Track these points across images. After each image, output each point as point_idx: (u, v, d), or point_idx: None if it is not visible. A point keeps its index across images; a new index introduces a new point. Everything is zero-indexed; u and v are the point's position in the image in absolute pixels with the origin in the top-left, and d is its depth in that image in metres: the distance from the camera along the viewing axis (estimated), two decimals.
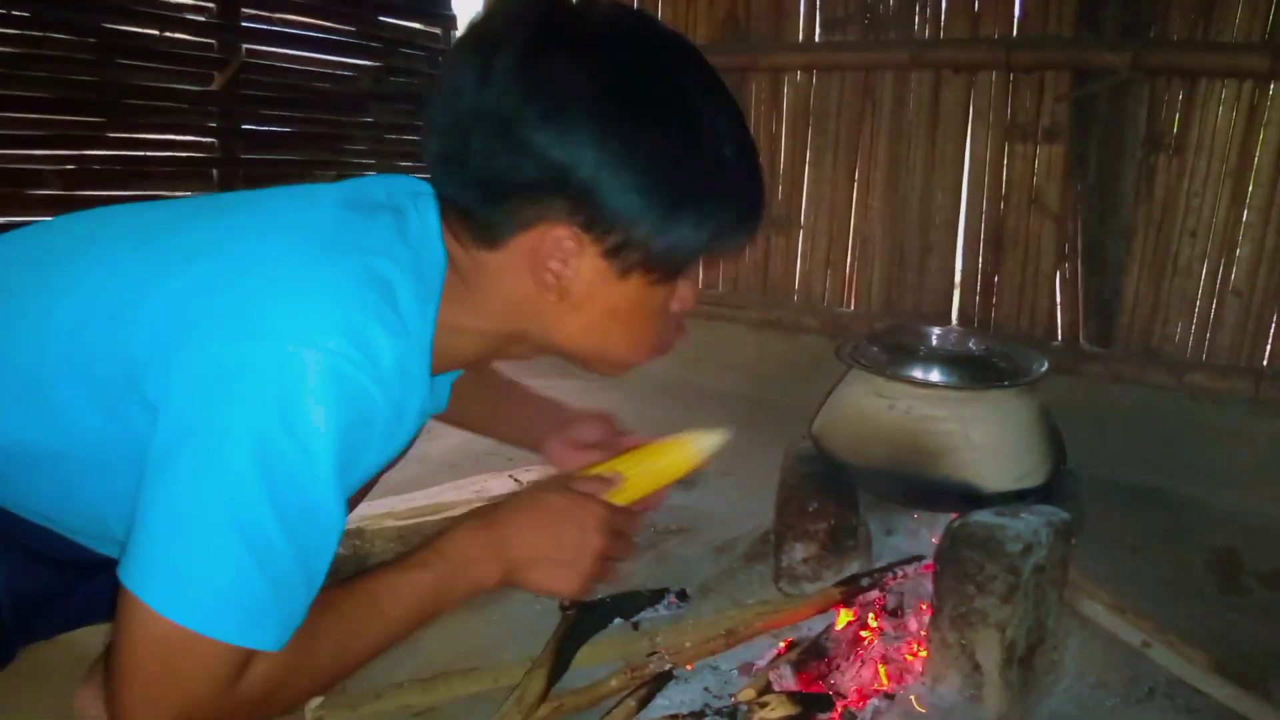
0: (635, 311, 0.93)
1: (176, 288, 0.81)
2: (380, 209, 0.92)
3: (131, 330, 0.82)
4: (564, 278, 0.88)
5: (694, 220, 0.87)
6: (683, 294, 0.97)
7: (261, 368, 0.75)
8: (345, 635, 0.89)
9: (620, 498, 1.11)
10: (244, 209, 0.94)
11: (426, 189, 0.95)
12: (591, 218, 0.84)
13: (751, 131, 0.94)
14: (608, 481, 1.10)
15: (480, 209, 0.87)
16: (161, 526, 0.76)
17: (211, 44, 2.84)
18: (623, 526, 1.07)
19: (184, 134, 2.83)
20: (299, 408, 0.76)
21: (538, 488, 1.09)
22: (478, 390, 1.34)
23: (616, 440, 1.25)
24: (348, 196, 0.93)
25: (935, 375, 1.62)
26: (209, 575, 0.75)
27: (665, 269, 0.90)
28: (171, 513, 0.76)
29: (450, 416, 1.35)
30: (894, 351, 1.69)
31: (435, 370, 0.95)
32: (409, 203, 0.93)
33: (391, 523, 1.82)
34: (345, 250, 0.84)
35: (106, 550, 1.06)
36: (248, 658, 0.79)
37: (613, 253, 0.87)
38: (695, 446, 1.16)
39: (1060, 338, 2.71)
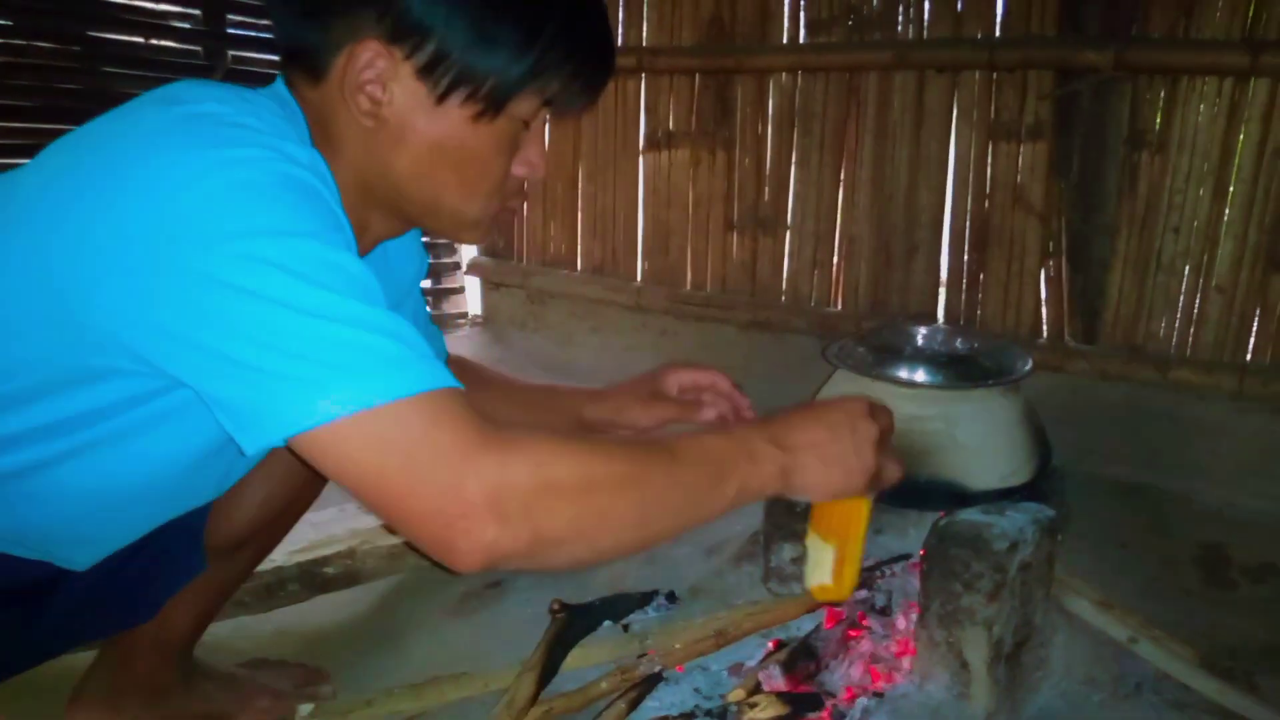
0: (462, 150, 0.88)
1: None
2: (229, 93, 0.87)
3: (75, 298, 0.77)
4: (378, 100, 0.85)
5: (511, 39, 0.84)
6: (528, 156, 0.93)
7: (197, 205, 0.72)
8: (621, 454, 0.81)
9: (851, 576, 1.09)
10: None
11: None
12: (398, 26, 0.82)
13: None
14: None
15: (298, 31, 0.86)
16: (252, 377, 0.70)
17: (197, 50, 2.84)
18: (888, 424, 1.01)
19: None
20: (245, 211, 0.72)
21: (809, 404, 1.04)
22: (513, 402, 1.31)
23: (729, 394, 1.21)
24: (192, 86, 0.87)
25: (920, 375, 1.63)
26: (328, 363, 0.70)
27: (487, 97, 0.86)
28: (245, 355, 0.70)
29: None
30: (879, 352, 1.70)
31: None
32: (252, 90, 0.89)
33: (384, 541, 1.81)
34: (206, 118, 0.79)
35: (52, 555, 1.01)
36: (448, 402, 0.73)
37: (426, 70, 0.83)
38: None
39: (1045, 335, 2.72)
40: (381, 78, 0.84)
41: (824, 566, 1.10)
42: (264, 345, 0.70)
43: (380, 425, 0.70)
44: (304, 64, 0.87)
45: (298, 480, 1.24)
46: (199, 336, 0.72)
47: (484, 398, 1.29)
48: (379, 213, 0.96)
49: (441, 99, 0.85)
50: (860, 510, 1.08)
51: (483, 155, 0.89)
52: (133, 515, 1.04)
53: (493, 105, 0.86)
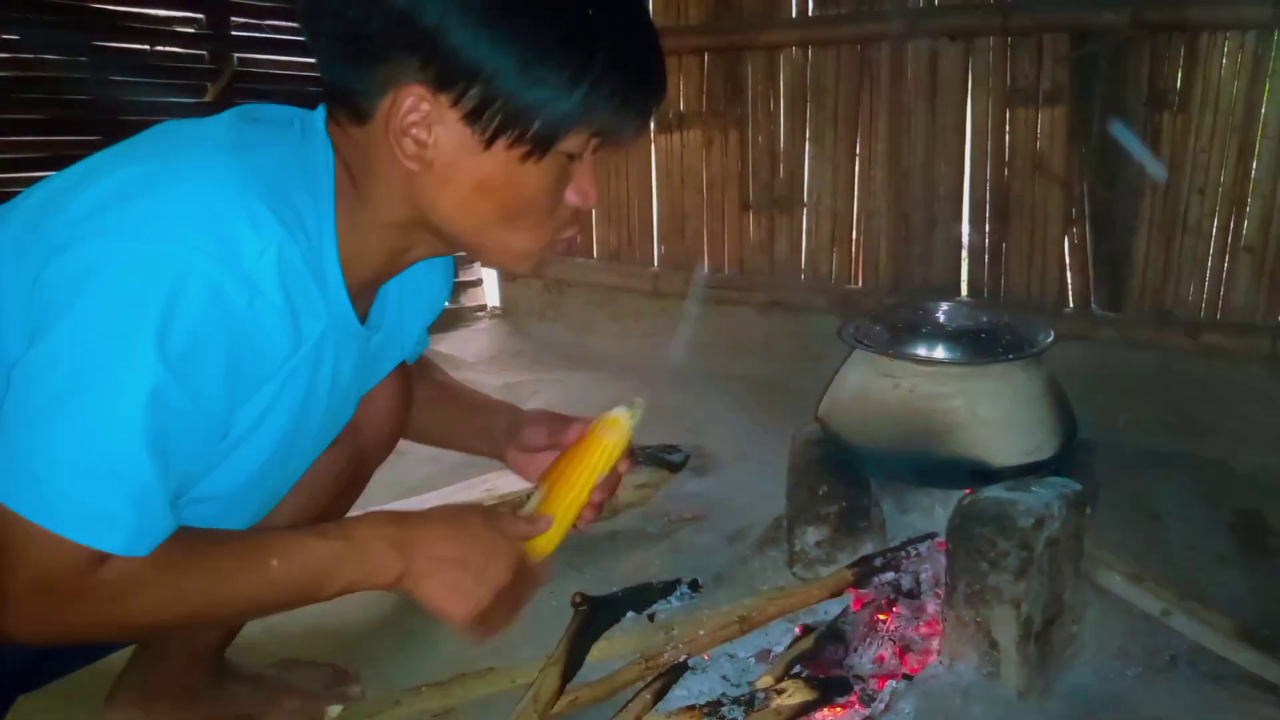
0: (509, 189, 0.87)
1: (68, 214, 0.81)
2: (268, 120, 0.91)
3: (31, 255, 0.81)
4: (424, 144, 0.84)
5: (557, 79, 0.81)
6: (581, 185, 0.91)
7: (116, 267, 0.75)
8: (221, 571, 0.88)
9: (552, 537, 1.08)
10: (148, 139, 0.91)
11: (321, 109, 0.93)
12: (442, 72, 0.80)
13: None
14: (535, 524, 1.06)
15: (342, 74, 0.85)
16: (19, 430, 0.77)
17: (203, 55, 2.84)
18: (528, 582, 1.03)
19: None
20: (153, 306, 0.75)
21: (465, 509, 1.10)
22: (437, 405, 1.33)
23: (562, 439, 1.19)
24: (242, 111, 0.92)
25: (939, 351, 1.60)
26: (62, 480, 0.76)
27: (534, 139, 0.84)
28: (28, 415, 0.76)
29: (415, 434, 1.35)
30: (897, 329, 1.67)
31: (356, 279, 0.94)
32: (297, 112, 0.92)
33: None
34: (226, 150, 0.84)
35: None
36: (100, 557, 0.79)
37: (472, 115, 0.82)
38: (613, 436, 1.10)
39: (1071, 304, 2.68)
40: (426, 122, 0.83)
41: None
42: (31, 420, 0.77)
43: (27, 533, 0.76)
44: (347, 105, 0.87)
45: (332, 490, 1.24)
46: (32, 361, 0.77)
47: (418, 405, 1.31)
48: (424, 237, 0.96)
49: (489, 143, 0.84)
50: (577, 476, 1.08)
51: (529, 192, 0.88)
52: None
53: (541, 145, 0.85)
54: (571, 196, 0.91)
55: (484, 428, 1.29)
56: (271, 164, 0.84)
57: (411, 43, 0.80)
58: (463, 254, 1.03)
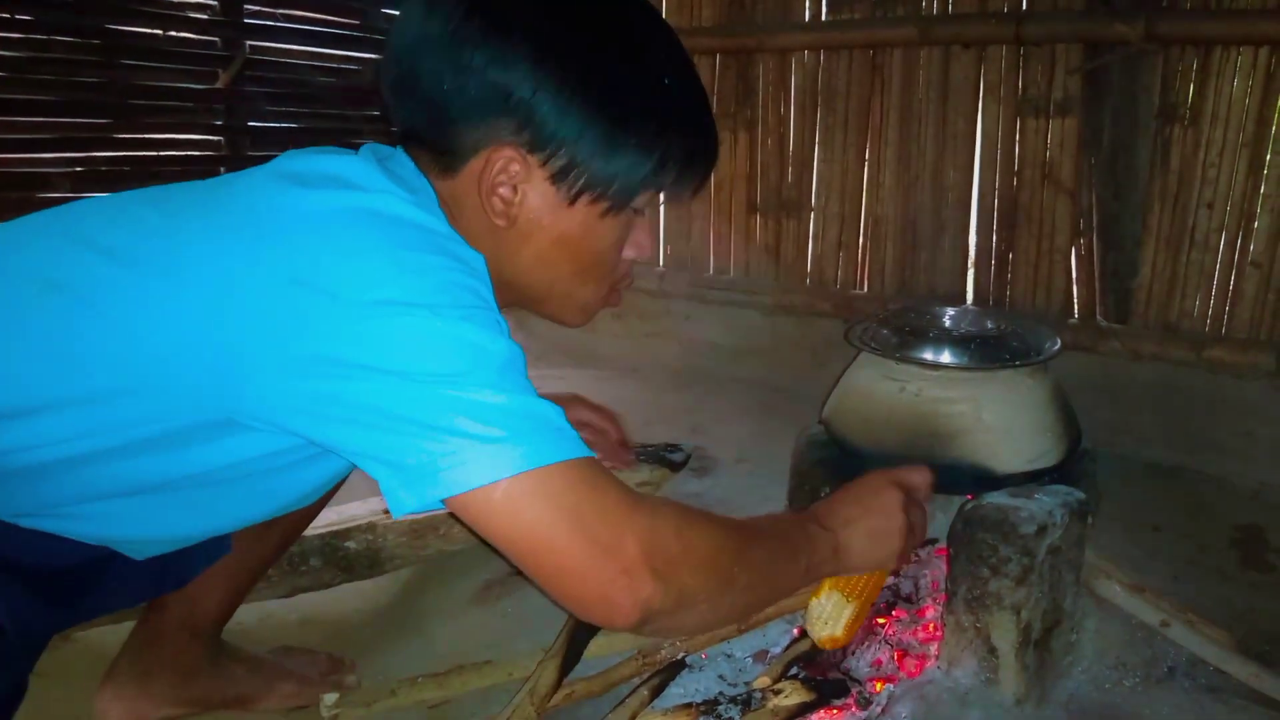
0: (584, 243, 0.94)
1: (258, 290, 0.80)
2: (386, 159, 0.93)
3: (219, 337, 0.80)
4: (511, 202, 0.90)
5: (638, 143, 0.89)
6: (638, 240, 0.99)
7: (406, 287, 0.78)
8: (737, 526, 0.96)
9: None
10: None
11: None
12: (535, 138, 0.87)
13: (695, 70, 0.96)
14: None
15: (433, 134, 0.90)
16: (426, 434, 0.75)
17: (215, 41, 2.85)
18: (920, 514, 1.20)
19: (190, 133, 2.84)
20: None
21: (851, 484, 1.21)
22: None
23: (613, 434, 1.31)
24: (374, 150, 0.94)
25: (946, 356, 1.59)
26: (502, 425, 0.76)
27: (613, 196, 0.91)
28: (420, 416, 0.75)
29: None
30: (904, 333, 1.67)
31: None
32: (385, 154, 0.94)
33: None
34: (399, 195, 0.86)
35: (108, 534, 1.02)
36: (598, 467, 0.82)
37: (559, 175, 0.89)
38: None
39: (1077, 314, 2.68)
40: (515, 181, 0.89)
41: (839, 620, 1.21)
42: (441, 409, 0.75)
43: (548, 485, 0.77)
44: (436, 158, 0.92)
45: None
46: (370, 410, 0.77)
47: None
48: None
49: (572, 200, 0.91)
50: (883, 576, 1.22)
51: (602, 245, 0.96)
52: (222, 529, 1.14)
53: (619, 202, 0.92)
54: (629, 250, 1.00)
55: None
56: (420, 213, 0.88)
57: (507, 110, 0.85)
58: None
